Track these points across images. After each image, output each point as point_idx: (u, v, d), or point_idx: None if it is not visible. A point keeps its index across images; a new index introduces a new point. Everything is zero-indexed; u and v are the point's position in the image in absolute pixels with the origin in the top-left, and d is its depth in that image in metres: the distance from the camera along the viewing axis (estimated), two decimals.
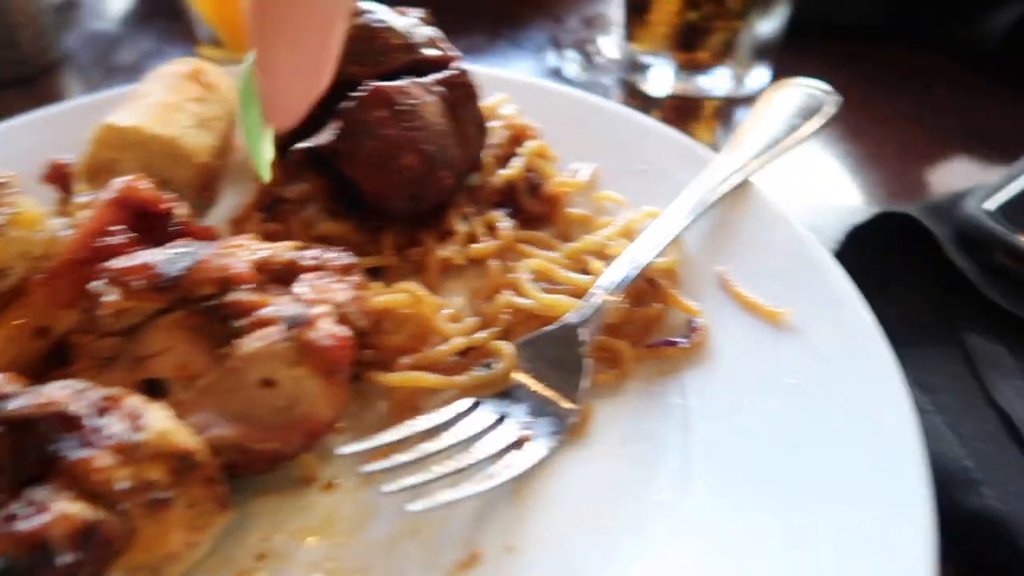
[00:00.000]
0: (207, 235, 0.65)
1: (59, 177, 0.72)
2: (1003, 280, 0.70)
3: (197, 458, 0.49)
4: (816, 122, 0.75)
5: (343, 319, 0.53)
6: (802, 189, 0.89)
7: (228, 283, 0.55)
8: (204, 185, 0.75)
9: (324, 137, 0.67)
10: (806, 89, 0.80)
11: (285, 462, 0.53)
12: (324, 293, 0.53)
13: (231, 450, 0.51)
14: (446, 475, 0.51)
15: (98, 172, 0.71)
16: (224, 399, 0.53)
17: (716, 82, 1.01)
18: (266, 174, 0.61)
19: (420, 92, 0.68)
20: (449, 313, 0.63)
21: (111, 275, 0.54)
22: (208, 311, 0.55)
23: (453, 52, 0.74)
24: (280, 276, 0.57)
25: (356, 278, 0.59)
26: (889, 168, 0.93)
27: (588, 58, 1.14)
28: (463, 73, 0.72)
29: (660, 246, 0.65)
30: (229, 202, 0.80)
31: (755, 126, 0.77)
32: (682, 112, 1.04)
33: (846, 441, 0.52)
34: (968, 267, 0.70)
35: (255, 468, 0.52)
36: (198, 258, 0.56)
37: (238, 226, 0.75)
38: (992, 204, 0.74)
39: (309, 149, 0.68)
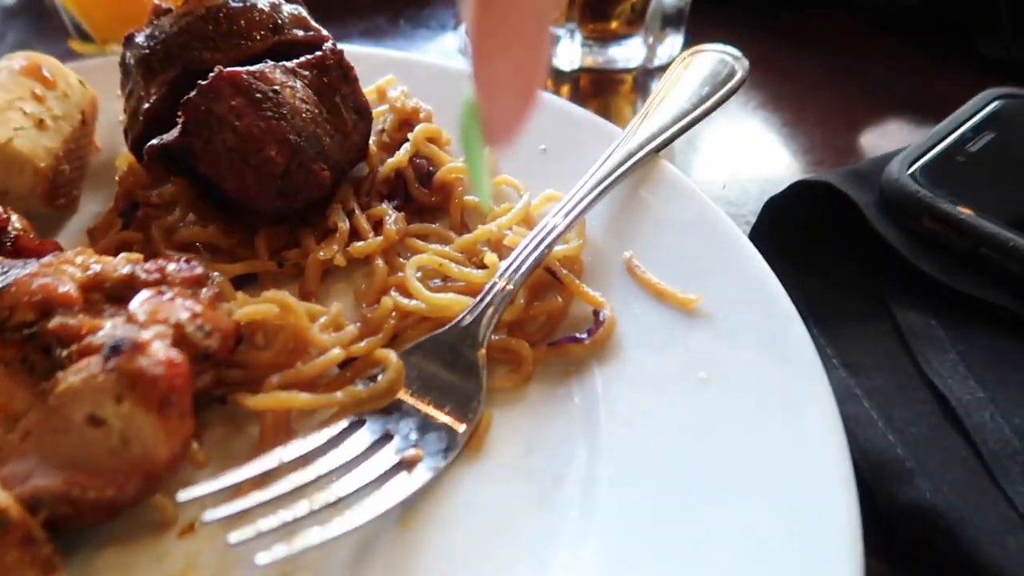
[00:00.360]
0: (46, 250, 0.57)
1: None
2: (931, 247, 0.65)
3: (8, 516, 0.41)
4: (726, 89, 0.70)
5: (182, 340, 0.45)
6: (722, 162, 0.84)
7: (50, 306, 0.48)
8: (53, 193, 0.66)
9: (174, 132, 0.59)
10: (716, 55, 0.74)
11: (124, 510, 0.45)
12: (161, 311, 0.46)
13: (57, 502, 0.44)
14: (311, 513, 0.44)
15: None
16: (49, 442, 0.45)
17: (628, 52, 0.95)
18: (488, 203, 0.62)
19: (282, 76, 0.61)
20: (325, 321, 0.56)
21: None
22: (27, 340, 0.47)
23: (323, 32, 0.67)
24: (117, 294, 0.50)
25: (209, 290, 0.52)
26: (812, 136, 0.88)
27: None
28: (334, 53, 0.65)
29: (559, 231, 0.59)
30: (94, 209, 0.72)
31: (663, 97, 0.71)
32: (599, 87, 0.98)
33: (765, 440, 0.46)
34: (894, 235, 0.66)
35: (89, 519, 0.45)
36: (11, 279, 0.48)
37: (97, 236, 0.66)
38: (917, 168, 0.69)
39: (158, 147, 0.60)
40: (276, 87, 0.60)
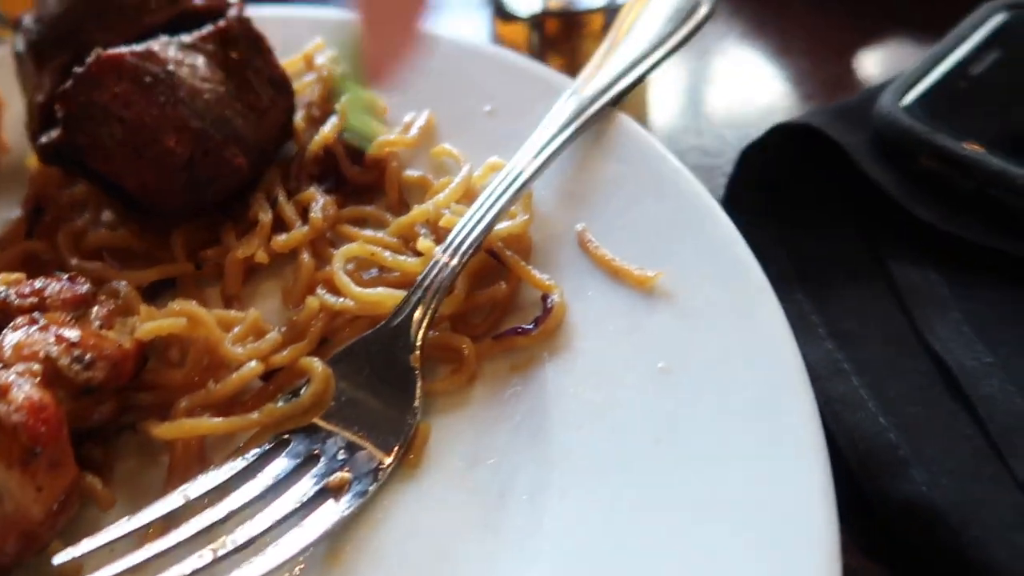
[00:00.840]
0: None
1: None
2: (932, 190, 0.57)
3: None
4: (689, 27, 0.61)
5: (56, 376, 0.40)
6: (698, 105, 0.76)
7: None
8: None
9: (56, 131, 0.52)
10: None
11: (10, 570, 0.40)
12: (29, 345, 0.40)
13: None
14: (217, 560, 0.39)
15: None
16: None
17: None
18: (372, 148, 0.60)
19: (176, 53, 0.54)
20: (241, 330, 0.50)
21: None
22: None
23: None
24: None
25: (102, 308, 0.46)
26: (799, 67, 0.79)
27: None
28: (240, 22, 0.57)
29: (500, 206, 0.52)
30: (7, 215, 0.66)
31: (619, 40, 0.63)
32: (565, 31, 0.89)
33: (729, 441, 0.40)
34: (889, 179, 0.58)
35: None
36: None
37: (4, 247, 0.60)
38: (912, 98, 0.61)
39: (45, 145, 0.53)
40: (169, 66, 0.53)
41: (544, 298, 0.50)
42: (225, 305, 0.55)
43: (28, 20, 0.60)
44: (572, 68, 0.68)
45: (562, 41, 0.89)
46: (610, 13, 0.89)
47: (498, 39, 0.88)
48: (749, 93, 0.77)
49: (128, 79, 0.51)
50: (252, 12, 0.61)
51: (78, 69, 0.51)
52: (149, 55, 0.52)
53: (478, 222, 0.51)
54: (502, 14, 0.90)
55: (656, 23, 0.64)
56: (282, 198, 0.59)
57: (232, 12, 0.58)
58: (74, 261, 0.55)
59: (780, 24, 0.84)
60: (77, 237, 0.58)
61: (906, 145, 0.58)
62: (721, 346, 0.43)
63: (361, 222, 0.59)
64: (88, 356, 0.41)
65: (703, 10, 0.63)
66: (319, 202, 0.58)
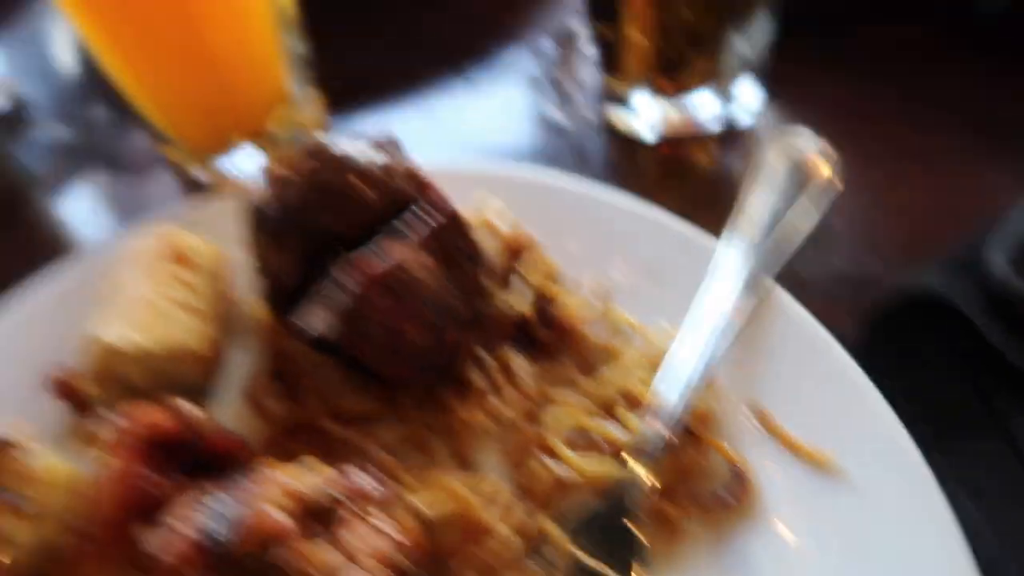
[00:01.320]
0: (232, 449, 0.63)
1: (68, 392, 0.70)
2: None
3: None
4: (813, 194, 0.72)
5: (395, 571, 0.52)
6: (818, 248, 0.83)
7: (271, 540, 0.54)
8: (210, 366, 0.72)
9: (321, 324, 0.63)
10: (798, 152, 0.76)
11: None
12: (373, 547, 0.52)
13: None
14: None
15: (105, 380, 0.68)
16: None
17: (705, 109, 0.95)
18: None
19: (414, 259, 0.64)
20: (493, 504, 0.62)
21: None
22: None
23: (436, 188, 0.69)
24: (318, 514, 0.56)
25: (388, 491, 0.59)
26: (899, 197, 0.87)
27: (567, 96, 1.06)
28: (452, 218, 0.67)
29: (697, 385, 0.63)
30: (234, 358, 0.77)
31: (753, 207, 0.73)
32: (679, 153, 0.97)
33: None
34: (1001, 338, 0.68)
35: None
36: (237, 518, 0.54)
37: (254, 400, 0.72)
38: (1018, 253, 0.70)
39: (313, 340, 0.64)
40: (415, 274, 0.64)
41: (735, 471, 0.61)
42: (459, 465, 0.67)
43: (265, 205, 0.69)
44: (688, 190, 0.79)
45: (676, 160, 0.97)
46: (723, 135, 0.97)
47: (616, 162, 0.97)
48: (862, 233, 0.84)
49: (390, 295, 0.62)
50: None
51: (347, 283, 0.62)
52: (400, 267, 0.63)
53: (678, 399, 0.63)
54: (621, 139, 0.99)
55: (783, 189, 0.74)
56: (488, 359, 0.70)
57: (447, 209, 0.68)
58: (332, 428, 0.67)
59: (891, 154, 0.90)
60: (324, 399, 0.69)
61: (1019, 306, 0.68)
62: (898, 536, 0.55)
63: (552, 380, 0.70)
64: (414, 553, 0.54)
65: (825, 170, 0.73)
66: (524, 368, 0.69)
